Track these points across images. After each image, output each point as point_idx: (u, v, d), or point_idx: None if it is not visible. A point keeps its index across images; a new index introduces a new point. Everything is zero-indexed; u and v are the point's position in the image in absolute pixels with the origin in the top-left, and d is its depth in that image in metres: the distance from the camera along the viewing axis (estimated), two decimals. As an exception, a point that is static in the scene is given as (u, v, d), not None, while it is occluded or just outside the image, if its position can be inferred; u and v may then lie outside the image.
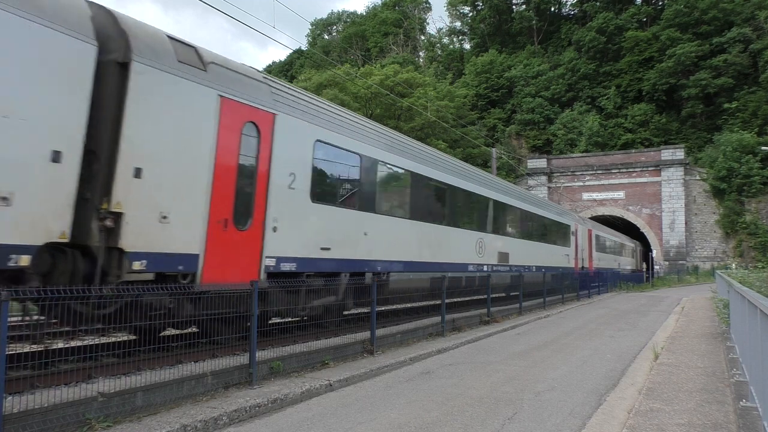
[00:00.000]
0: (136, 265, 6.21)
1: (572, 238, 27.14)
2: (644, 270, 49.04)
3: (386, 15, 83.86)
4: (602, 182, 52.16)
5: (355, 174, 10.39)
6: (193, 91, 6.98)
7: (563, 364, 9.17)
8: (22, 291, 5.02)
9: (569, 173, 53.68)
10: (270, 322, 8.55)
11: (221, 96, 7.35)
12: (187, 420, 5.30)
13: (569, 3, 75.31)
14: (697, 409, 5.91)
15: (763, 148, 42.27)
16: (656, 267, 48.81)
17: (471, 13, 79.96)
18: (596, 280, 28.48)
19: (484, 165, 43.77)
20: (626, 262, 43.98)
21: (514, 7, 76.70)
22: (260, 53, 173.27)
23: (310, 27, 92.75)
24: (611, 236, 39.29)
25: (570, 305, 21.27)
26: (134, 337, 7.21)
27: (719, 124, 53.57)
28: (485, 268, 16.02)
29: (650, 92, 57.85)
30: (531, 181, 52.59)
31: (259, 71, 8.93)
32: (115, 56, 6.21)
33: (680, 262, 48.17)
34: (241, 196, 7.67)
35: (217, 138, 7.27)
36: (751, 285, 13.62)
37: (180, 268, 6.74)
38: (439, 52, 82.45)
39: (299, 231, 8.78)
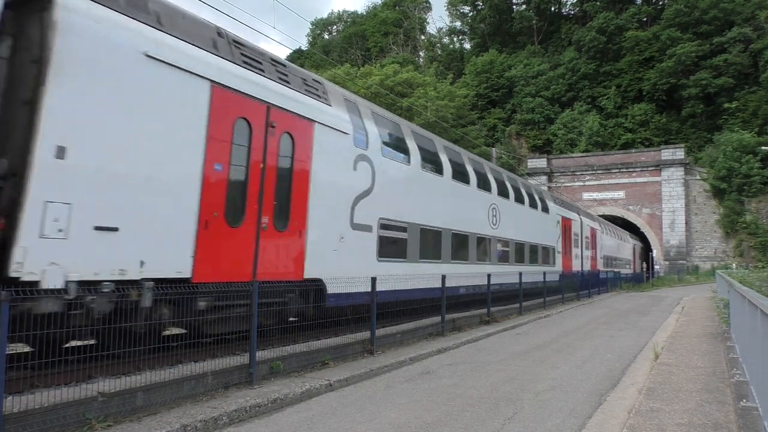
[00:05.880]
0: None
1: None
2: (644, 269, 49.04)
3: (386, 15, 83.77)
4: (602, 182, 52.16)
5: None
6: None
7: (563, 363, 9.17)
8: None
9: (569, 173, 53.68)
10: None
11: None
12: (187, 420, 5.30)
13: (569, 3, 75.32)
14: (698, 409, 5.90)
15: (763, 148, 42.27)
16: (656, 267, 48.83)
17: (471, 13, 79.89)
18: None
19: (484, 165, 43.71)
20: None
21: (514, 6, 76.63)
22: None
23: (311, 27, 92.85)
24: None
25: (570, 305, 21.27)
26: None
27: (719, 124, 53.55)
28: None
29: (650, 92, 57.83)
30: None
31: None
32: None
33: (680, 261, 48.17)
34: None
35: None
36: (751, 285, 13.62)
37: None
38: (439, 52, 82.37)
39: None
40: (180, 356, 6.89)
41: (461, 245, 14.71)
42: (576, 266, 26.50)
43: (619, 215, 50.91)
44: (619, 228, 43.81)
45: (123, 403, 5.35)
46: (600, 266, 32.09)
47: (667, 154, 49.78)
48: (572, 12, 74.83)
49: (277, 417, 5.94)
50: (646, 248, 52.03)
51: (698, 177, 48.97)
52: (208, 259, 7.05)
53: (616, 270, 36.91)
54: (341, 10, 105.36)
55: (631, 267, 45.25)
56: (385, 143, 11.57)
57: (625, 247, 43.36)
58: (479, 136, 53.94)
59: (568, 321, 16.06)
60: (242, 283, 7.45)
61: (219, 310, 7.29)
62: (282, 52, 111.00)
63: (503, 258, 17.64)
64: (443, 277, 12.19)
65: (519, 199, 19.24)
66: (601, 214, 49.71)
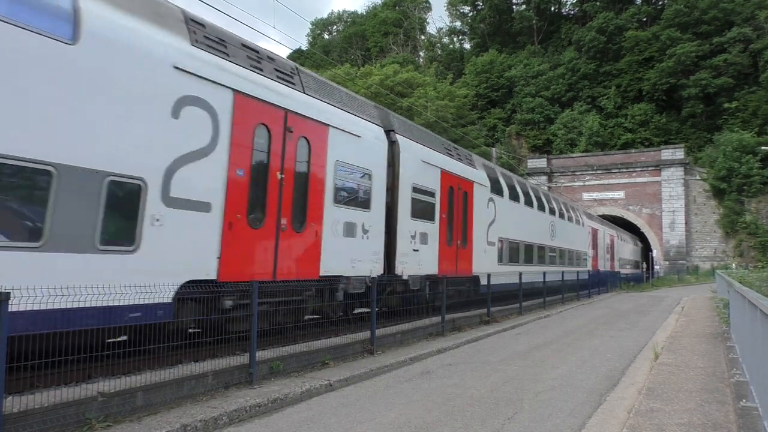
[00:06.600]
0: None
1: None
2: (645, 270, 49.02)
3: (386, 15, 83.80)
4: (602, 182, 52.20)
5: None
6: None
7: (563, 363, 9.17)
8: None
9: (569, 173, 53.71)
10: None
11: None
12: (187, 420, 5.30)
13: (569, 3, 75.39)
14: (697, 409, 5.91)
15: (763, 148, 42.30)
16: (656, 267, 48.85)
17: (471, 13, 79.93)
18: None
19: (484, 165, 43.76)
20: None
21: (514, 6, 76.68)
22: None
23: (311, 27, 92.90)
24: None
25: (570, 305, 21.27)
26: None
27: (719, 124, 53.59)
28: None
29: (650, 92, 57.86)
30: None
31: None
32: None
33: (680, 261, 48.20)
34: None
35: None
36: (751, 285, 13.63)
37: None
38: (439, 51, 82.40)
39: None
40: (180, 356, 6.88)
41: None
42: (348, 264, 10.14)
43: (619, 215, 50.97)
44: (571, 204, 29.52)
45: (123, 403, 5.35)
46: (494, 263, 16.34)
47: (667, 154, 49.83)
48: (572, 12, 74.90)
49: (277, 417, 5.94)
50: (646, 248, 52.03)
51: (698, 177, 49.00)
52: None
53: (550, 268, 21.31)
54: (341, 10, 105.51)
55: (589, 263, 29.62)
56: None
57: (574, 232, 26.79)
58: (479, 136, 53.96)
59: (568, 321, 16.06)
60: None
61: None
62: (282, 52, 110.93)
63: None
64: (444, 277, 12.17)
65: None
66: (601, 214, 49.78)
